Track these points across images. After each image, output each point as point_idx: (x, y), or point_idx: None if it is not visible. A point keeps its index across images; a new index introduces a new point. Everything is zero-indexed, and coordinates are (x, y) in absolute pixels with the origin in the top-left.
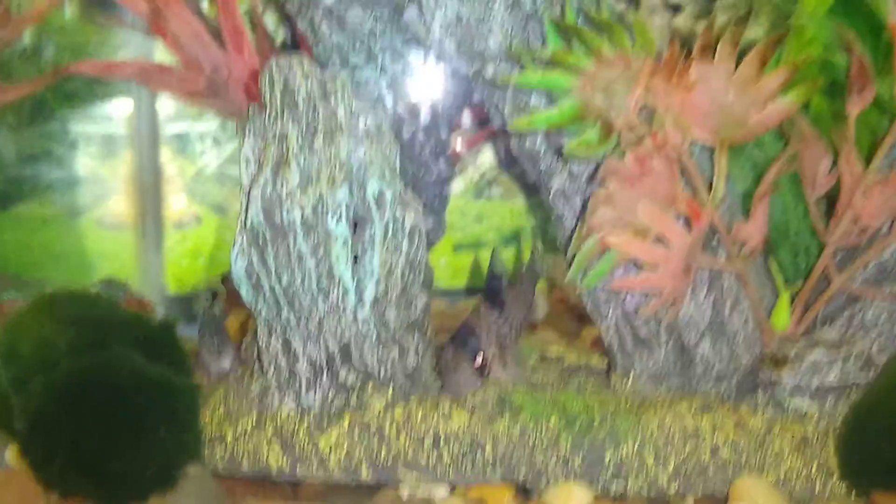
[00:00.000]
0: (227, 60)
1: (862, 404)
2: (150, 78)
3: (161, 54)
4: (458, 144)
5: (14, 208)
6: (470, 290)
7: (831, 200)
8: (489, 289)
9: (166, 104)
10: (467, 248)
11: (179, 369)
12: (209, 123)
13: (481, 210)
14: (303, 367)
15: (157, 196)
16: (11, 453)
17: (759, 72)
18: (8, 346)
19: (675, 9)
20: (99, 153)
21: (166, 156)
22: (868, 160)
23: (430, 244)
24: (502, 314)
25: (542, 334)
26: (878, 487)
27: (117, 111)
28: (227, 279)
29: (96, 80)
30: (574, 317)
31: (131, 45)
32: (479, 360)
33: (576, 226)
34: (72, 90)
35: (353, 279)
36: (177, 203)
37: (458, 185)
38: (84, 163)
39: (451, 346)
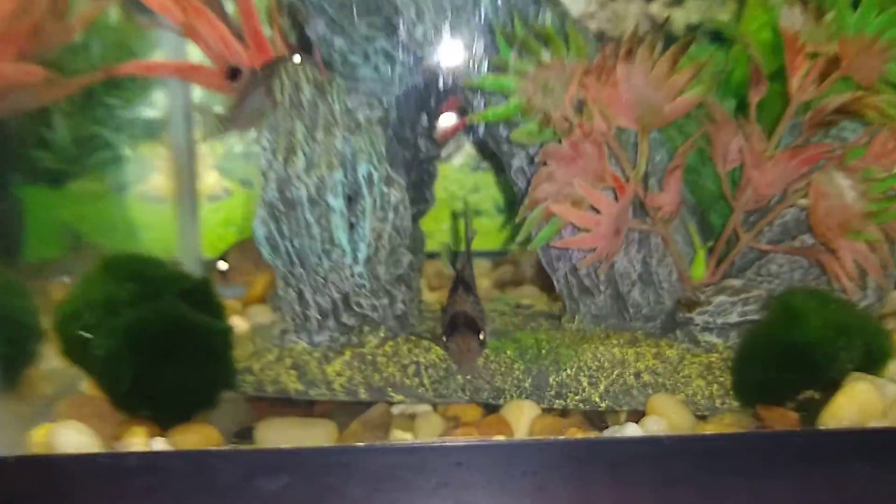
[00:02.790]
0: (248, 56)
1: (748, 337)
2: (185, 75)
3: (192, 50)
4: (442, 129)
5: (69, 185)
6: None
7: None
8: (462, 276)
9: (198, 92)
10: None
11: (216, 316)
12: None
13: (477, 181)
14: (313, 312)
15: (192, 173)
16: (86, 384)
17: (671, 71)
18: (82, 299)
19: None
20: (141, 136)
21: (199, 137)
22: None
23: (421, 213)
24: (474, 296)
25: (525, 289)
26: (761, 402)
27: (156, 99)
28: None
29: None
30: None
31: (166, 43)
32: (481, 337)
33: (522, 198)
34: (117, 81)
35: (349, 243)
36: (209, 178)
37: (457, 160)
38: (128, 143)
39: (461, 335)
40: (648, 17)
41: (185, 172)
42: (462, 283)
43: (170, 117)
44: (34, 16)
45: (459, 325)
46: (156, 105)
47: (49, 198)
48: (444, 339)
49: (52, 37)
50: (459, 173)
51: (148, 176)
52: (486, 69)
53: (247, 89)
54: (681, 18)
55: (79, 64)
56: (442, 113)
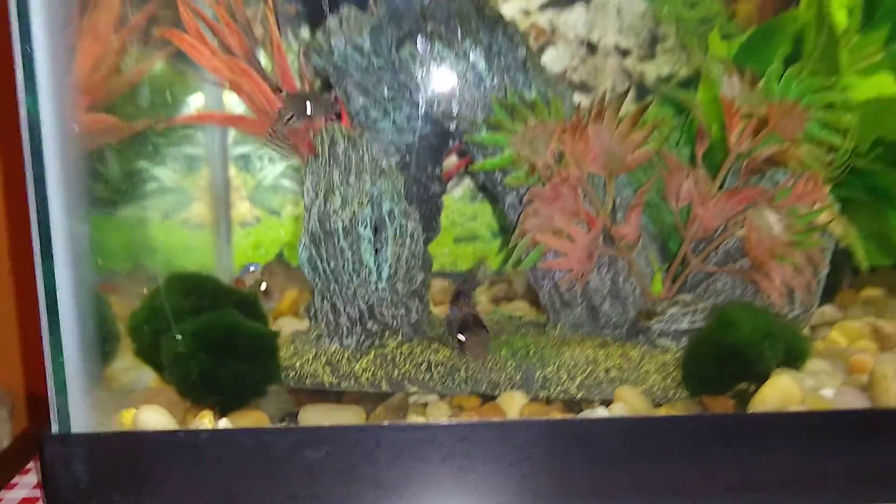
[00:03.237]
0: None
1: (695, 340)
2: (232, 124)
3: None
4: (447, 171)
5: (118, 213)
6: None
7: None
8: (466, 287)
9: (233, 132)
10: (464, 240)
11: (262, 322)
12: (266, 149)
13: (475, 210)
14: (343, 320)
15: (227, 202)
16: (153, 379)
17: (631, 130)
18: (151, 308)
19: (625, 53)
20: (183, 169)
21: (233, 171)
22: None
23: (429, 240)
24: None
25: (517, 303)
26: (704, 392)
27: (196, 137)
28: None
29: None
30: None
31: (207, 91)
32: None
33: (513, 229)
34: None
35: (375, 264)
36: (241, 208)
37: (457, 192)
38: (171, 177)
39: (473, 331)
40: (624, 70)
41: (221, 202)
42: (464, 295)
43: (208, 154)
44: (104, 71)
45: (470, 323)
46: (196, 143)
47: (104, 224)
48: (458, 336)
49: (115, 88)
50: (460, 203)
51: (188, 205)
52: (484, 127)
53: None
54: (652, 71)
55: (125, 107)
56: (447, 158)
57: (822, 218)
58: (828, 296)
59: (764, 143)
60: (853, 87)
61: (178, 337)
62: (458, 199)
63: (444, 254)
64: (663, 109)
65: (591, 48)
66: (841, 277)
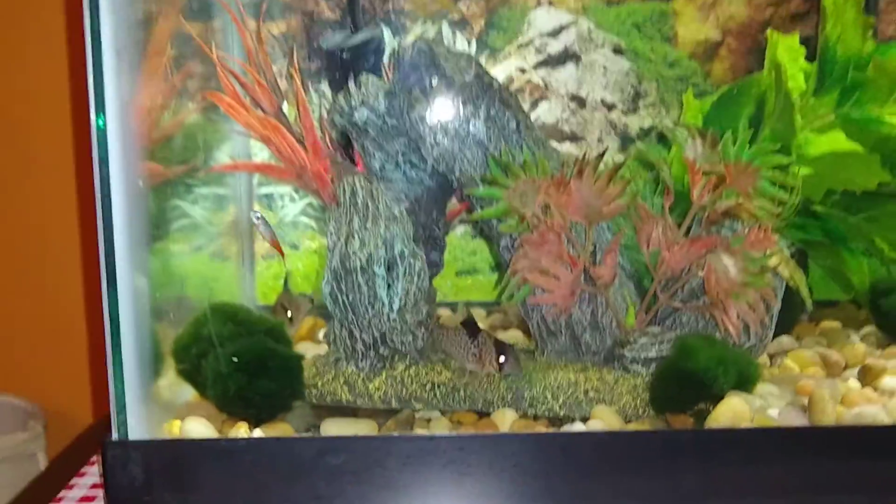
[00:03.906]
0: (309, 160)
1: (661, 366)
2: (263, 171)
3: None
4: (450, 215)
5: (154, 246)
6: None
7: None
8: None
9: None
10: (465, 273)
11: (288, 346)
12: (288, 188)
13: (475, 247)
14: (359, 346)
15: (251, 237)
16: (191, 395)
17: (607, 185)
18: (194, 335)
19: (610, 107)
20: (212, 207)
21: (258, 209)
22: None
23: (434, 275)
24: None
25: (512, 331)
26: (668, 411)
27: (225, 178)
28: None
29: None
30: None
31: (235, 139)
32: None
33: (507, 267)
34: (196, 166)
35: (388, 297)
36: (264, 242)
37: (459, 230)
38: (201, 214)
39: (506, 351)
40: (609, 122)
41: (246, 237)
42: (474, 324)
43: (236, 193)
44: (149, 123)
45: (501, 347)
46: (225, 184)
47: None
48: (498, 361)
49: (157, 137)
50: (462, 240)
51: (216, 239)
52: (481, 181)
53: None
54: (635, 123)
55: (161, 152)
56: (450, 200)
57: (772, 262)
58: (786, 327)
59: (722, 197)
60: (809, 143)
61: (235, 359)
62: (459, 236)
63: (447, 286)
64: (644, 162)
65: (581, 102)
66: (798, 312)
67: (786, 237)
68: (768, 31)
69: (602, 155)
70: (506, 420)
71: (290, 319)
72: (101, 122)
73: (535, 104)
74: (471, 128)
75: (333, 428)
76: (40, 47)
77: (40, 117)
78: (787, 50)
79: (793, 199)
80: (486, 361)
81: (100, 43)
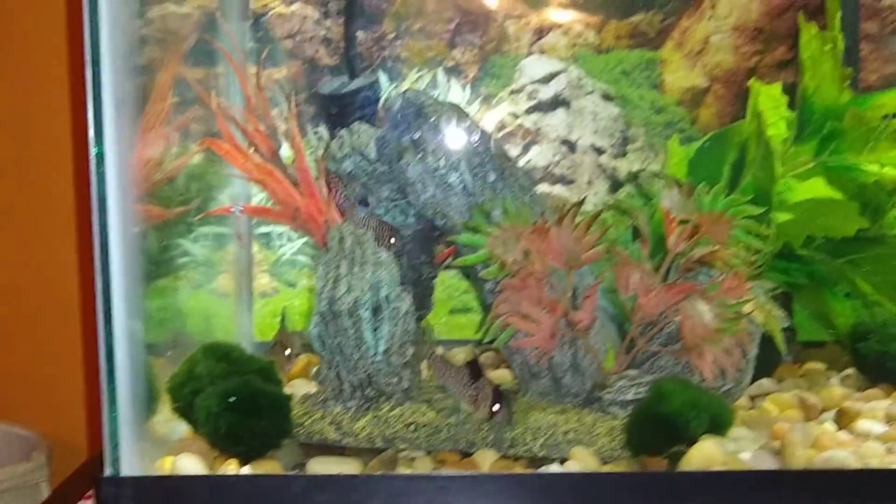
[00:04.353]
0: (303, 202)
1: (637, 409)
2: (258, 213)
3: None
4: (437, 257)
5: (155, 282)
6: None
7: None
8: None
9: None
10: (458, 312)
11: (278, 386)
12: (285, 228)
13: (468, 286)
14: (346, 387)
15: (250, 275)
16: (185, 431)
17: (585, 233)
18: (188, 373)
19: (600, 151)
20: (212, 245)
21: (256, 248)
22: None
23: (422, 316)
24: None
25: (501, 371)
26: (644, 453)
27: (225, 217)
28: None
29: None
30: None
31: (234, 181)
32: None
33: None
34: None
35: (374, 340)
36: (262, 280)
37: (452, 271)
38: (202, 252)
39: (506, 401)
40: (599, 166)
41: (245, 275)
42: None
43: (234, 231)
44: (151, 166)
45: (499, 395)
46: (224, 223)
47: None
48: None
49: (158, 179)
50: (455, 279)
51: (216, 276)
52: (464, 228)
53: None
54: (624, 166)
55: (163, 191)
56: (439, 244)
57: (747, 308)
58: (768, 369)
59: (697, 245)
60: (790, 189)
61: (232, 399)
62: (452, 275)
63: (442, 323)
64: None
65: (571, 146)
66: (779, 355)
67: (770, 280)
68: (751, 81)
69: (580, 203)
70: (486, 460)
71: (289, 357)
72: (100, 160)
73: (526, 148)
74: (456, 175)
75: (320, 466)
76: (41, 87)
77: (41, 146)
78: (768, 98)
79: (767, 248)
80: (480, 406)
81: (100, 92)
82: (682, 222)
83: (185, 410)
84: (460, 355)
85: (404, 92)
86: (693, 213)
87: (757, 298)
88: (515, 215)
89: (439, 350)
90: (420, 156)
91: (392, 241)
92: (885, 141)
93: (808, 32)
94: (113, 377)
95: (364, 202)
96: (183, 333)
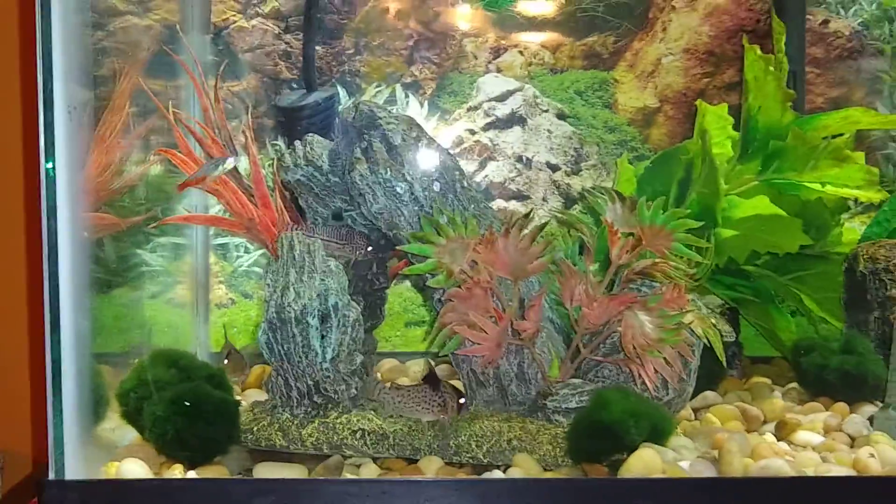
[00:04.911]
0: (258, 213)
1: (578, 417)
2: (213, 223)
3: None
4: (392, 269)
5: (112, 292)
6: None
7: None
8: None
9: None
10: (414, 325)
11: (228, 392)
12: (242, 239)
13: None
14: (294, 394)
15: (207, 286)
16: (134, 437)
17: (530, 244)
18: (137, 379)
19: (554, 168)
20: (170, 256)
21: (213, 259)
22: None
23: (374, 326)
24: None
25: (455, 381)
26: (585, 461)
27: (182, 228)
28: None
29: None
30: None
31: (193, 191)
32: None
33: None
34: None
35: (321, 348)
36: (219, 291)
37: (408, 282)
38: (159, 262)
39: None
40: (553, 181)
41: (202, 285)
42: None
43: (192, 242)
44: (108, 175)
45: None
46: (182, 233)
47: (99, 302)
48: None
49: (115, 189)
50: (411, 292)
51: (173, 287)
52: (412, 238)
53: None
54: (577, 184)
55: (123, 200)
56: (390, 259)
57: (686, 319)
58: (713, 382)
59: (639, 258)
60: (735, 206)
61: (187, 403)
62: (409, 287)
63: (397, 336)
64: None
65: (527, 163)
66: (723, 368)
67: (717, 296)
68: (697, 101)
69: (528, 215)
70: (431, 467)
71: (228, 364)
72: (50, 170)
73: (483, 164)
74: (408, 187)
75: (266, 471)
76: None
77: None
78: (715, 118)
79: (707, 261)
80: (451, 407)
81: (52, 100)
82: (626, 235)
83: (133, 416)
84: (415, 367)
85: (358, 104)
86: (635, 226)
87: (697, 310)
88: (462, 226)
89: (386, 383)
90: (372, 166)
91: (369, 248)
92: (825, 159)
93: (753, 54)
94: (59, 384)
95: (338, 216)
96: (138, 344)
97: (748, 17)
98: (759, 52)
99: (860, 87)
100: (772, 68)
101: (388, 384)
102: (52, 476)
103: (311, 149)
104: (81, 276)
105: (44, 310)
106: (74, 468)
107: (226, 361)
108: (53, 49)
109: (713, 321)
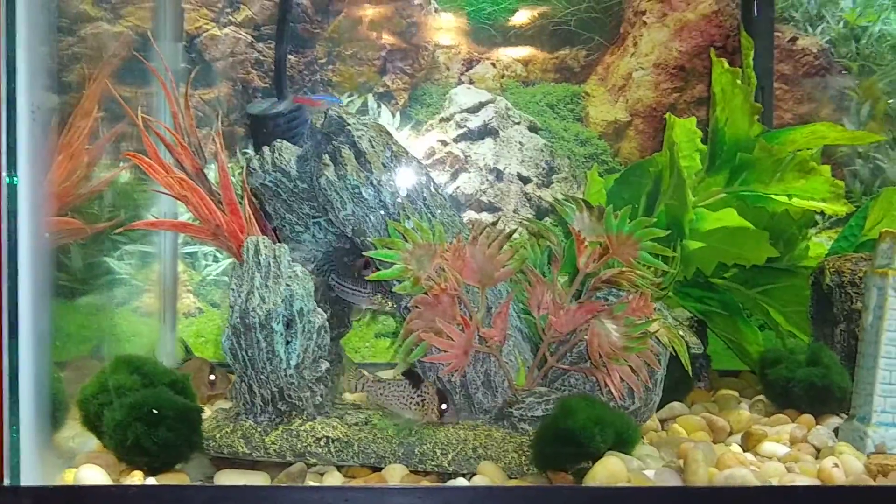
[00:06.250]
0: (225, 219)
1: (543, 425)
2: (180, 229)
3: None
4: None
5: (78, 300)
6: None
7: None
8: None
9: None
10: (385, 336)
11: (191, 399)
12: (211, 248)
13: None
14: (258, 400)
15: (174, 295)
16: (95, 444)
17: (498, 252)
18: (99, 385)
19: (525, 181)
20: (137, 264)
21: (181, 267)
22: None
23: (342, 335)
24: None
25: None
26: (550, 468)
27: (149, 236)
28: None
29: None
30: None
31: (162, 198)
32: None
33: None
34: (120, 222)
35: (286, 354)
36: (186, 300)
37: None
38: (126, 270)
39: (451, 399)
40: (524, 193)
41: (169, 294)
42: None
43: (159, 250)
44: (74, 180)
45: (444, 397)
46: (150, 241)
47: (64, 310)
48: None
49: (83, 194)
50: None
51: (140, 295)
52: (377, 244)
53: None
54: (549, 196)
55: (91, 207)
56: (357, 265)
57: (652, 328)
58: (680, 394)
59: (605, 266)
60: (702, 218)
61: (155, 411)
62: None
63: (366, 346)
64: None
65: (498, 175)
66: (692, 380)
67: (685, 309)
68: (667, 114)
69: (496, 223)
70: (395, 475)
71: (212, 382)
72: (14, 180)
73: (454, 175)
74: (376, 193)
75: (227, 479)
76: None
77: None
78: (683, 131)
79: (673, 270)
80: (429, 409)
81: (15, 102)
82: (593, 244)
83: (93, 422)
84: (387, 376)
85: (327, 111)
86: (602, 235)
87: (664, 319)
88: (430, 232)
89: (367, 374)
90: (340, 172)
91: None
92: (791, 172)
93: (720, 67)
94: (16, 390)
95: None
96: (98, 347)
97: (718, 33)
98: (726, 65)
99: (827, 104)
100: (739, 81)
101: (371, 377)
102: (6, 482)
103: (280, 155)
104: (43, 281)
105: (1, 314)
106: (31, 474)
107: (211, 378)
108: (17, 49)
109: (680, 332)
